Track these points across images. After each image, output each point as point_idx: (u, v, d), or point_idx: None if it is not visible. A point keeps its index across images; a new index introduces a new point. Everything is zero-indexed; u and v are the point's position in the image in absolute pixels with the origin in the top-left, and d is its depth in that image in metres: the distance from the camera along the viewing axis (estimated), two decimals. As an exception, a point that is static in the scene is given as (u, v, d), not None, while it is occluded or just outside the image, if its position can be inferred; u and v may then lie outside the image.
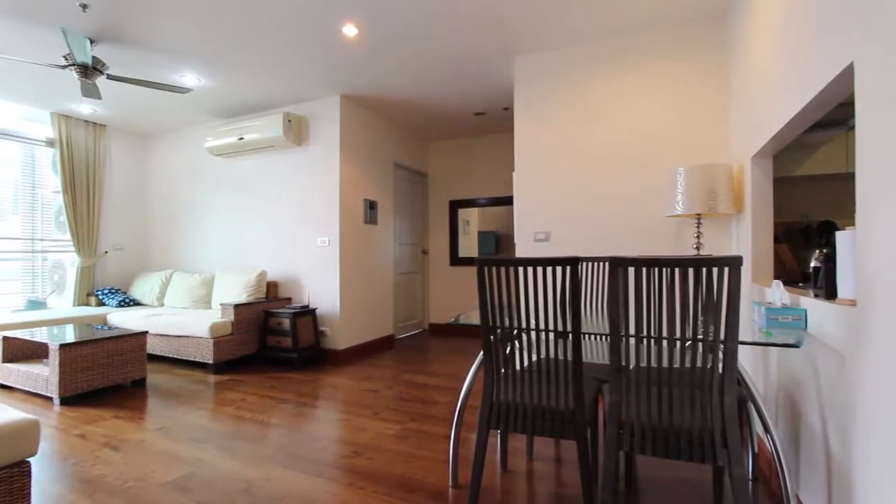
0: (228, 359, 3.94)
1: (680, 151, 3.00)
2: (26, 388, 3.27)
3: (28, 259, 5.04)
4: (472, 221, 5.74)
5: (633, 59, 3.11)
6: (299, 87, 4.12)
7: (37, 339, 3.26)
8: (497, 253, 5.55)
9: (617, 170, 3.16)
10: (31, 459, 1.56)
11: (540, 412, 1.62)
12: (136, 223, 5.66)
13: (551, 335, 2.05)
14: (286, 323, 4.01)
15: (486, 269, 1.61)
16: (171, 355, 4.09)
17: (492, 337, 1.66)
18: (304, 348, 4.05)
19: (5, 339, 3.42)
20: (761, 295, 2.10)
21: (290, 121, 4.33)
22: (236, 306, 4.00)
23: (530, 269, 3.14)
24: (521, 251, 3.46)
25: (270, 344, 4.13)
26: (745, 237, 2.47)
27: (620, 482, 1.98)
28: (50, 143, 4.99)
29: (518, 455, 2.27)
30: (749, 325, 1.69)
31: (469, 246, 5.74)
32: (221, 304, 4.04)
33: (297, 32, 3.12)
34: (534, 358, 2.50)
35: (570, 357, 1.56)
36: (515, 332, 1.64)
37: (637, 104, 3.11)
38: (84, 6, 2.81)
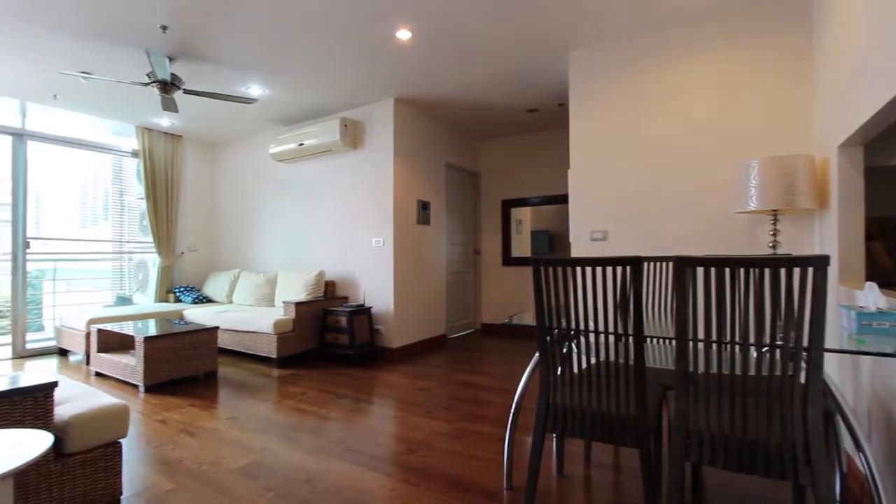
0: (290, 354, 4.14)
1: (750, 143, 2.78)
2: (116, 376, 3.61)
3: (117, 259, 5.58)
4: (525, 221, 5.66)
5: (699, 47, 2.93)
6: (355, 93, 4.25)
7: (125, 331, 3.59)
8: (550, 252, 5.43)
9: (680, 164, 2.99)
10: (121, 441, 1.72)
11: (599, 417, 1.56)
12: (207, 226, 6.10)
13: (611, 338, 1.98)
14: (343, 321, 4.15)
15: (542, 269, 1.57)
16: (238, 349, 4.36)
17: (548, 338, 1.62)
18: (360, 346, 4.17)
19: (100, 331, 3.80)
20: (850, 298, 1.91)
21: (346, 125, 4.48)
22: (297, 304, 4.20)
23: (589, 270, 3.04)
24: (576, 251, 3.36)
25: (328, 341, 4.30)
26: (831, 234, 2.25)
27: (686, 494, 1.87)
28: (135, 154, 5.49)
29: (575, 460, 2.21)
30: (835, 330, 1.54)
31: (522, 245, 5.66)
32: (284, 302, 4.26)
33: (352, 40, 3.22)
34: (592, 361, 2.42)
35: (631, 361, 1.49)
36: (573, 333, 1.59)
37: (702, 95, 2.92)
38: (164, 28, 3.06)
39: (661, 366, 1.84)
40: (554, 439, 2.20)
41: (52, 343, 4.79)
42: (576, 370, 1.75)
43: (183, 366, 3.53)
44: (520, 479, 2.02)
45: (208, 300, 5.50)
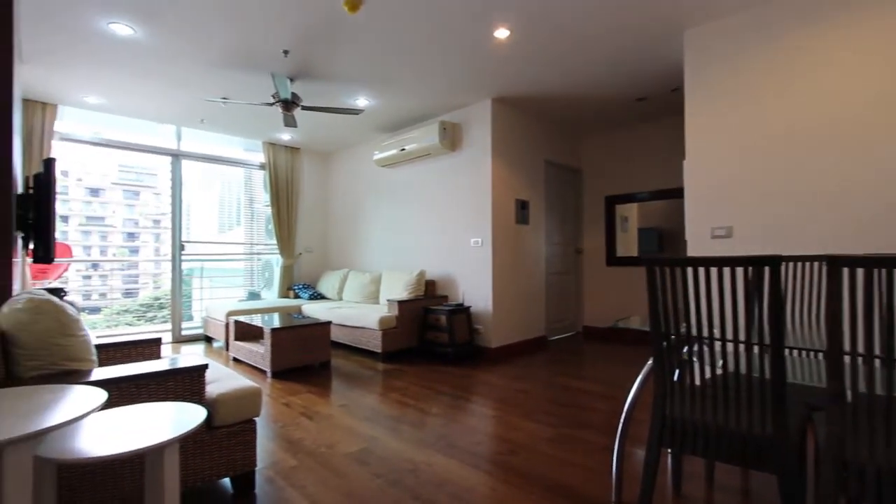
0: (393, 349, 4.36)
1: (929, 117, 2.28)
2: (249, 362, 4.11)
3: (248, 260, 6.36)
4: (632, 218, 5.29)
5: (849, 9, 2.48)
6: (453, 96, 4.34)
7: (255, 323, 4.07)
8: (660, 251, 5.01)
9: (824, 149, 2.56)
10: (255, 419, 1.94)
11: (726, 435, 1.39)
12: (321, 229, 6.68)
13: (740, 347, 1.76)
14: (443, 320, 4.26)
15: (657, 269, 1.45)
16: (347, 342, 4.70)
17: (664, 344, 1.49)
18: (459, 344, 4.24)
19: (236, 322, 4.36)
20: None
21: (444, 128, 4.59)
22: (400, 303, 4.40)
23: (714, 270, 2.74)
24: (693, 249, 3.05)
25: (429, 338, 4.44)
26: None
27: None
28: (262, 167, 6.21)
29: (695, 480, 2.00)
30: None
31: (628, 244, 5.30)
32: (388, 300, 4.49)
33: (451, 44, 3.28)
34: (717, 371, 2.17)
35: (768, 374, 1.31)
36: (693, 340, 1.44)
37: (854, 68, 2.47)
38: (286, 52, 3.41)
39: (806, 382, 1.58)
40: (669, 455, 2.01)
41: (200, 331, 5.61)
42: (698, 381, 1.58)
43: (302, 355, 3.90)
44: (630, 493, 1.89)
45: (322, 297, 6.02)
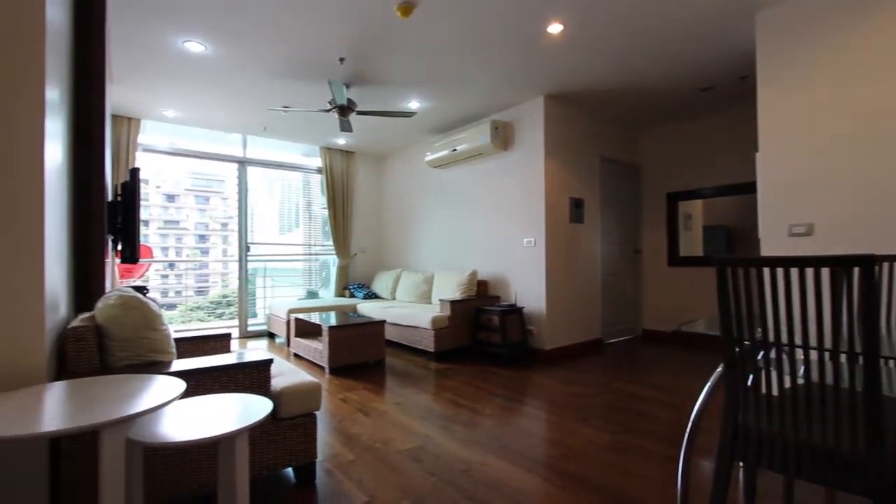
0: (446, 349, 4.38)
1: None
2: (309, 358, 4.30)
3: (306, 260, 6.65)
4: (696, 215, 5.00)
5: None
6: (504, 95, 4.31)
7: (313, 321, 4.25)
8: (728, 250, 4.69)
9: (928, 134, 2.28)
10: (316, 413, 2.03)
11: (809, 450, 1.27)
12: (374, 230, 6.86)
13: (825, 356, 1.60)
14: (495, 320, 4.23)
15: (728, 270, 1.36)
16: (400, 342, 4.79)
17: (736, 350, 1.39)
18: (511, 345, 4.20)
19: (296, 319, 4.57)
20: None
21: (496, 128, 4.56)
22: (452, 303, 4.42)
23: (794, 271, 2.53)
24: (767, 248, 2.83)
25: (481, 339, 4.43)
26: None
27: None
28: (319, 171, 6.47)
29: (770, 497, 1.85)
30: None
31: (691, 243, 5.01)
32: (440, 300, 4.53)
33: (502, 43, 3.26)
34: (797, 380, 2.00)
35: (859, 385, 1.18)
36: (771, 347, 1.33)
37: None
38: (342, 60, 3.53)
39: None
40: (742, 469, 1.88)
41: (264, 327, 5.93)
42: (775, 390, 1.46)
43: (358, 353, 4.02)
44: (697, 508, 1.78)
45: (376, 296, 6.17)
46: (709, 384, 1.75)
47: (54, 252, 1.58)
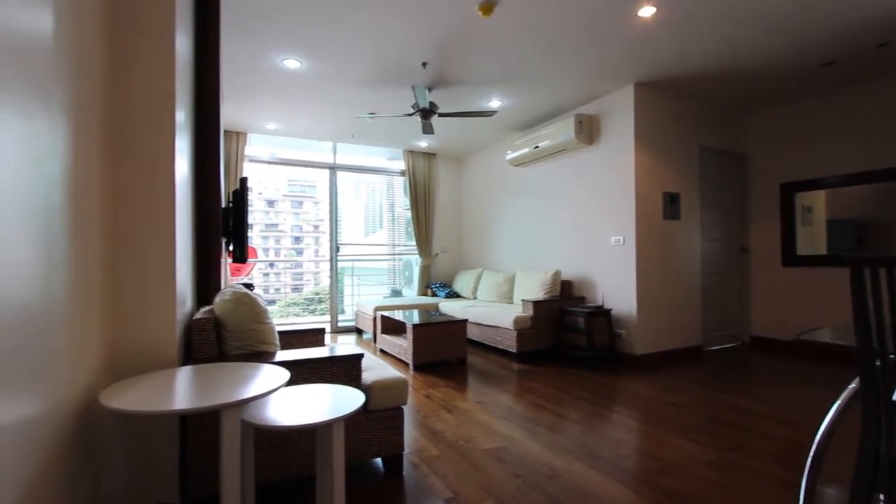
0: (528, 350, 4.30)
1: None
2: (394, 354, 4.46)
3: (390, 260, 6.93)
4: (817, 208, 4.39)
5: None
6: (589, 87, 4.12)
7: (398, 318, 4.40)
8: (859, 248, 4.06)
9: None
10: (403, 407, 2.09)
11: (984, 490, 1.05)
12: (455, 230, 6.95)
13: None
14: (581, 322, 4.07)
15: (867, 271, 1.16)
16: (482, 341, 4.79)
17: (876, 364, 1.19)
18: (598, 349, 4.01)
19: (382, 317, 4.77)
20: None
21: (580, 122, 4.38)
22: (535, 303, 4.33)
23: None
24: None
25: (565, 341, 4.28)
26: None
27: None
28: (402, 174, 6.70)
29: (924, 541, 1.56)
30: None
31: (812, 240, 4.41)
32: (522, 300, 4.46)
33: (587, 33, 3.12)
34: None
35: None
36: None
37: None
38: (424, 64, 3.62)
39: None
40: (882, 501, 1.60)
41: (352, 323, 6.28)
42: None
43: (440, 350, 4.09)
44: (826, 542, 1.55)
45: (457, 295, 6.24)
46: (839, 401, 1.52)
47: (182, 252, 1.80)
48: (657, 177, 4.20)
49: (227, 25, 2.98)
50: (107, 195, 1.50)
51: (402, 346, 4.22)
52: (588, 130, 4.44)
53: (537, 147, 4.86)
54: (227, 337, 1.85)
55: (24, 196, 0.92)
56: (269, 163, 5.99)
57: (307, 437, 1.87)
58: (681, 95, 4.35)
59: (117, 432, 1.28)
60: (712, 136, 4.67)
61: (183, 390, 1.27)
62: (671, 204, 4.27)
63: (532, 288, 4.74)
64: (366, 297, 6.43)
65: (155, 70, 1.61)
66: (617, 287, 4.20)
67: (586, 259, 4.56)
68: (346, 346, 2.10)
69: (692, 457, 2.23)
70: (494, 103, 4.51)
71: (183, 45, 1.88)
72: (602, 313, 4.10)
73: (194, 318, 1.81)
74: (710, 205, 4.68)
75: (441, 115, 4.12)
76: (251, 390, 1.22)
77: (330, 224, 6.27)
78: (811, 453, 1.56)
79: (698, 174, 4.54)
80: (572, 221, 4.75)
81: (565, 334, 4.28)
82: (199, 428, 1.72)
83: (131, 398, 1.16)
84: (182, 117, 1.84)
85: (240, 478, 1.20)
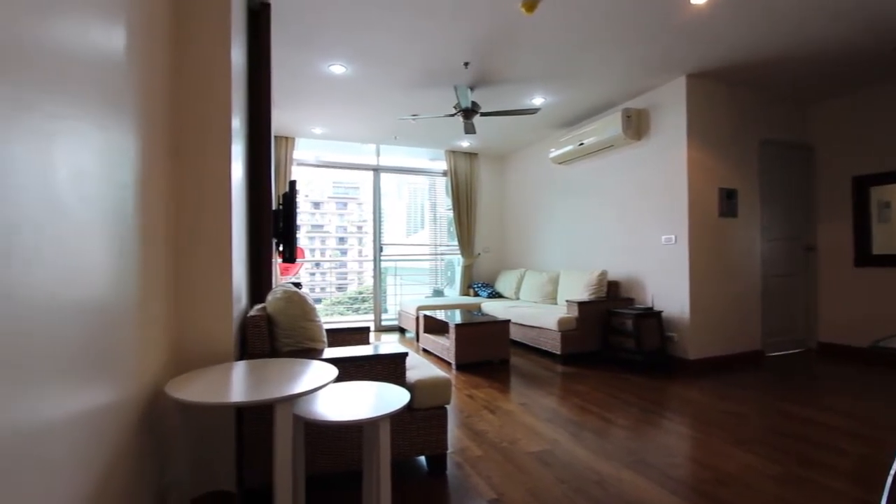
0: (573, 352, 4.20)
1: None
2: (436, 353, 4.49)
3: (432, 260, 6.97)
4: None
5: None
6: (637, 80, 3.97)
7: (440, 318, 4.42)
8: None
9: None
10: (446, 406, 2.10)
11: None
12: (497, 230, 6.90)
13: None
14: (629, 324, 3.92)
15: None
16: (524, 342, 4.73)
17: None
18: (647, 352, 3.85)
19: (425, 316, 4.81)
20: None
21: (628, 116, 4.23)
22: (580, 304, 4.22)
23: None
24: None
25: (612, 343, 4.15)
26: None
27: None
28: (444, 174, 6.73)
29: None
30: None
31: (890, 238, 4.03)
32: (567, 301, 4.36)
33: (635, 25, 3.00)
34: None
35: None
36: None
37: None
38: (466, 64, 3.62)
39: None
40: (980, 530, 1.44)
41: (395, 322, 6.37)
42: None
43: (483, 351, 4.08)
44: (910, 570, 1.41)
45: (499, 295, 6.20)
46: (927, 416, 1.38)
47: (237, 253, 1.89)
48: (712, 172, 3.98)
49: (276, 34, 3.10)
50: (170, 199, 1.60)
51: (445, 345, 4.23)
52: (636, 125, 4.27)
53: (582, 144, 4.73)
54: (279, 334, 1.92)
55: (101, 201, 0.99)
56: (316, 166, 6.20)
57: (354, 432, 1.91)
58: (738, 86, 4.11)
59: (180, 422, 1.36)
60: (774, 128, 4.37)
61: (239, 384, 1.33)
62: (728, 200, 4.04)
63: (577, 288, 4.63)
64: (408, 296, 6.51)
65: (212, 80, 1.70)
66: (668, 288, 4.02)
67: (635, 259, 4.40)
68: (390, 344, 2.13)
69: (752, 469, 2.10)
70: (537, 100, 4.44)
71: (237, 55, 1.98)
72: (652, 315, 3.94)
73: (248, 315, 1.90)
74: (771, 201, 4.38)
75: (483, 114, 4.10)
76: (302, 385, 1.26)
77: (373, 225, 6.40)
78: (893, 472, 1.43)
79: (758, 168, 4.26)
80: (619, 220, 4.59)
81: (612, 336, 4.15)
82: (253, 420, 1.80)
83: (193, 390, 1.23)
84: (237, 124, 1.93)
85: (292, 469, 1.24)
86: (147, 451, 1.31)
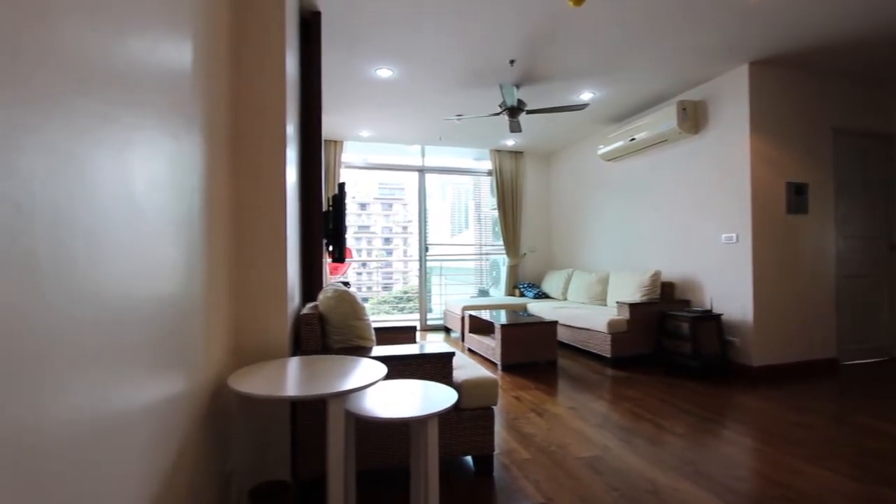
0: (623, 355, 4.05)
1: None
2: (482, 353, 4.47)
3: (477, 259, 6.95)
4: None
5: None
6: (693, 71, 3.77)
7: (485, 317, 4.40)
8: None
9: None
10: (493, 407, 2.08)
11: None
12: (543, 229, 6.78)
13: None
14: (684, 327, 3.73)
15: None
16: (572, 344, 4.61)
17: None
18: (705, 357, 3.65)
19: (470, 316, 4.81)
20: None
21: (684, 109, 4.02)
22: (631, 305, 4.07)
23: None
24: None
25: (666, 347, 3.96)
26: None
27: None
28: (488, 173, 6.69)
29: None
30: None
31: None
32: (617, 302, 4.21)
33: (692, 12, 2.85)
34: None
35: None
36: None
37: None
38: (512, 62, 3.58)
39: None
40: None
41: (440, 322, 6.41)
42: None
43: (529, 352, 4.02)
44: None
45: (546, 296, 6.08)
46: None
47: (291, 252, 1.97)
48: (778, 165, 3.71)
49: (326, 41, 3.20)
50: (230, 202, 1.69)
51: (490, 345, 4.21)
52: (693, 118, 4.06)
53: (633, 139, 4.56)
54: (330, 331, 1.98)
55: (172, 205, 1.06)
56: (363, 168, 6.35)
57: (401, 429, 1.94)
58: (807, 72, 3.80)
59: (241, 414, 1.43)
60: (849, 116, 4.01)
61: (294, 379, 1.38)
62: (797, 196, 3.75)
63: (628, 289, 4.46)
64: (453, 296, 6.53)
65: (269, 89, 1.78)
66: (728, 290, 3.79)
67: (691, 259, 4.18)
68: (436, 344, 2.14)
69: (827, 487, 1.93)
70: (586, 96, 4.32)
71: (291, 64, 2.06)
72: (710, 318, 3.73)
73: (301, 313, 1.97)
74: (847, 196, 4.02)
75: (529, 112, 4.04)
76: (353, 382, 1.29)
77: (419, 225, 6.47)
78: None
79: (832, 161, 3.93)
80: (674, 218, 4.38)
81: (666, 340, 3.96)
82: (305, 414, 1.86)
83: (253, 383, 1.29)
84: (291, 130, 2.01)
85: (343, 463, 1.28)
86: (212, 440, 1.39)
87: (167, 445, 1.01)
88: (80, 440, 0.65)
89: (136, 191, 0.85)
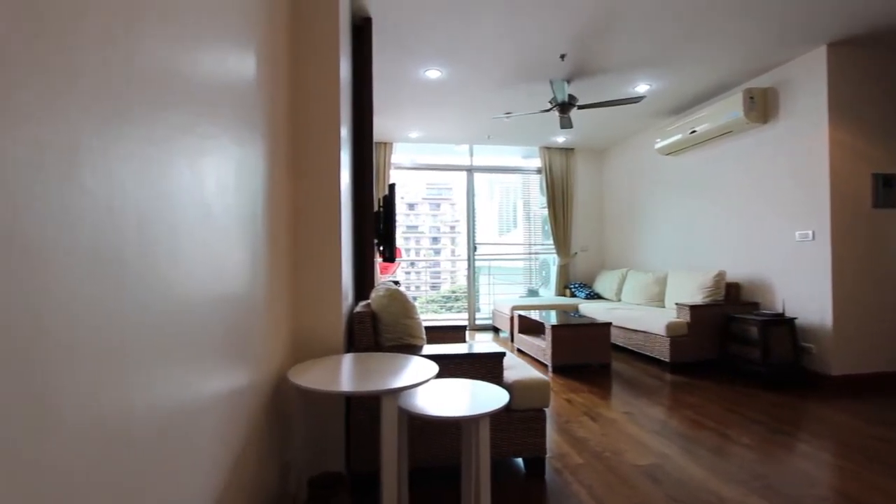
0: (683, 360, 3.84)
1: None
2: (531, 354, 4.40)
3: (526, 259, 6.85)
4: None
5: None
6: (761, 56, 3.51)
7: (535, 318, 4.33)
8: None
9: None
10: (545, 409, 2.05)
11: None
12: (595, 228, 6.56)
13: None
14: (753, 331, 3.49)
15: None
16: (627, 346, 4.44)
17: None
18: (776, 364, 3.39)
19: (520, 316, 4.75)
20: None
21: (751, 97, 3.75)
22: (692, 307, 3.85)
23: None
24: None
25: (731, 352, 3.72)
26: None
27: None
28: (538, 171, 6.58)
29: None
30: None
31: None
32: (676, 304, 4.00)
33: (762, -10, 2.65)
34: None
35: None
36: None
37: None
38: (562, 56, 3.49)
39: None
40: None
41: (488, 321, 6.38)
42: None
43: (581, 354, 3.91)
44: None
45: (598, 297, 5.89)
46: None
47: (345, 252, 2.03)
48: (862, 155, 3.37)
49: (377, 44, 3.27)
50: (289, 204, 1.77)
51: (541, 346, 4.14)
52: (761, 107, 3.78)
53: (694, 132, 4.31)
54: (382, 329, 2.03)
55: (238, 208, 1.13)
56: (412, 168, 6.44)
57: (452, 428, 1.95)
58: (894, 52, 3.43)
59: (299, 407, 1.50)
60: (950, 98, 3.58)
61: (349, 375, 1.43)
62: (885, 188, 3.39)
63: (688, 290, 4.23)
64: (502, 296, 6.47)
65: (324, 95, 1.85)
66: (803, 292, 3.49)
67: (759, 258, 3.89)
68: (485, 343, 2.13)
69: (924, 512, 1.74)
70: (641, 88, 4.14)
71: (344, 70, 2.12)
72: (783, 322, 3.45)
73: (354, 311, 2.03)
74: (946, 187, 3.59)
75: (581, 107, 3.93)
76: (406, 379, 1.32)
77: (467, 224, 6.48)
78: None
79: (927, 148, 3.52)
80: (739, 214, 4.10)
81: (732, 345, 3.72)
82: (359, 409, 1.92)
83: (311, 378, 1.34)
84: (345, 133, 2.08)
85: (396, 459, 1.30)
86: (273, 431, 1.46)
87: (236, 433, 1.08)
88: (164, 424, 0.70)
89: (207, 195, 0.91)
